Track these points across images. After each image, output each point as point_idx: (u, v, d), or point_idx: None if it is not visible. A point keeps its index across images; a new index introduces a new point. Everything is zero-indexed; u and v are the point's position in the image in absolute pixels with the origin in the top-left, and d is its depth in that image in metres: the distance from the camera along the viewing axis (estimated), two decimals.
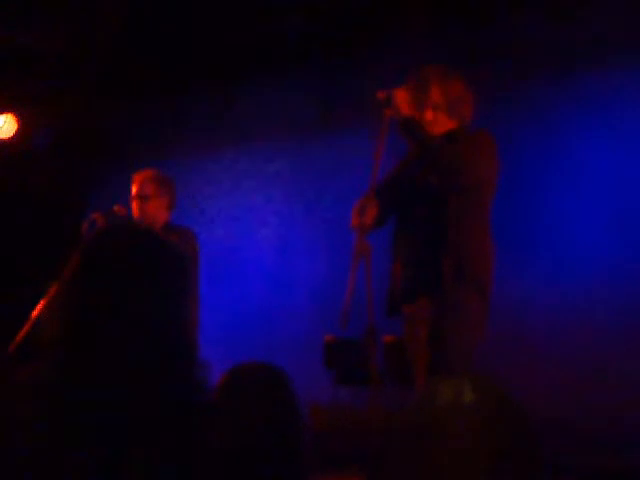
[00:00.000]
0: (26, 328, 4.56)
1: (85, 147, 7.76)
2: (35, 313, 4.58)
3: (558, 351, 5.40)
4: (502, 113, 5.72)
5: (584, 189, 5.70)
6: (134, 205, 4.75)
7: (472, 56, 5.60)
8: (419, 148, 3.66)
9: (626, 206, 5.56)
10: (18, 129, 7.02)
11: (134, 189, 4.77)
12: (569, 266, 5.62)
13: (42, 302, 4.48)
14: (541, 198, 5.84)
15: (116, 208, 4.76)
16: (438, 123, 3.77)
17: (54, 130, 7.41)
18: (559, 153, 5.80)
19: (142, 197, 4.73)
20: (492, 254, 3.71)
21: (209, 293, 7.06)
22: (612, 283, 5.45)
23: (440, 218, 3.61)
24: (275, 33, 6.48)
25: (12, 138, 7.03)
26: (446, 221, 3.59)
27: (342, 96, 6.65)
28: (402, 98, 3.67)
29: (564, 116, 5.77)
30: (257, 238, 7.25)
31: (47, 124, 7.35)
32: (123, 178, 4.94)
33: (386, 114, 3.66)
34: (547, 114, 5.84)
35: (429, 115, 3.75)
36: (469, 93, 3.85)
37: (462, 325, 3.54)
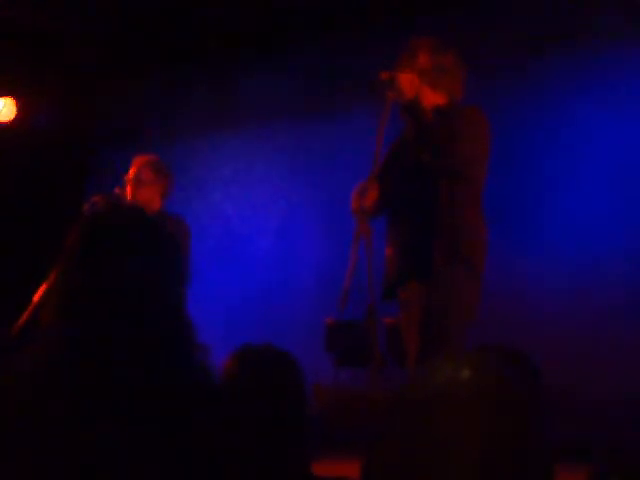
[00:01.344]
0: (28, 312, 4.57)
1: (86, 130, 7.74)
2: (37, 297, 4.59)
3: (563, 332, 5.40)
4: (502, 88, 5.71)
5: (590, 167, 5.68)
6: (129, 188, 4.75)
7: (471, 31, 5.58)
8: (419, 131, 3.63)
9: (633, 184, 5.55)
10: (18, 112, 7.01)
11: (131, 172, 4.78)
12: (574, 245, 5.61)
13: (43, 285, 4.49)
14: (544, 177, 5.83)
15: (117, 191, 4.76)
16: (424, 92, 3.72)
17: (54, 113, 7.39)
18: (563, 130, 5.77)
19: (138, 181, 4.74)
20: (484, 234, 3.70)
21: (211, 275, 7.07)
22: (618, 262, 5.44)
23: (431, 200, 3.60)
24: (276, 13, 6.45)
25: (12, 121, 7.03)
26: (437, 203, 3.58)
27: (346, 78, 6.62)
28: (405, 80, 3.64)
29: (567, 90, 5.75)
30: (259, 220, 7.25)
31: (47, 107, 7.34)
32: (124, 161, 4.93)
33: (389, 96, 3.64)
34: (549, 88, 5.81)
35: (415, 80, 3.70)
36: (460, 69, 3.79)
37: (453, 307, 3.54)
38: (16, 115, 7.02)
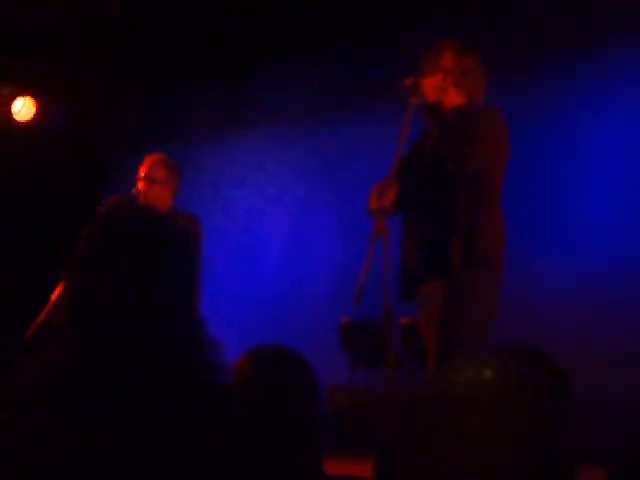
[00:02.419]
0: (45, 311, 4.59)
1: (102, 130, 7.77)
2: (54, 296, 4.61)
3: (572, 334, 5.39)
4: (518, 95, 5.70)
5: (601, 172, 5.67)
6: (140, 187, 4.74)
7: (485, 39, 5.57)
8: (440, 133, 3.65)
9: None
10: (36, 112, 7.05)
11: (143, 171, 4.77)
12: (585, 249, 5.60)
13: (61, 285, 4.51)
14: (558, 182, 5.82)
15: (134, 191, 4.76)
16: (448, 92, 3.74)
17: (72, 113, 7.43)
18: (577, 135, 5.76)
19: (150, 180, 4.74)
20: (502, 235, 3.71)
21: (226, 279, 7.09)
22: (628, 267, 5.43)
23: (449, 200, 3.61)
24: (291, 15, 6.46)
25: (30, 121, 7.07)
26: (456, 203, 3.59)
27: (361, 79, 6.63)
28: (429, 85, 3.67)
29: (581, 95, 5.74)
30: (274, 222, 7.26)
31: (65, 107, 7.37)
32: (140, 161, 4.94)
33: (412, 101, 3.66)
34: (564, 94, 5.81)
35: (439, 79, 3.73)
36: (482, 73, 3.82)
37: (471, 307, 3.55)
38: (35, 114, 7.06)
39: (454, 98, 3.77)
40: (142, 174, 4.76)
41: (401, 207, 3.79)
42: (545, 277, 5.68)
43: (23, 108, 7.04)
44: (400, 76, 3.71)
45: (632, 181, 5.53)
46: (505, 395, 1.16)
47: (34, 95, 7.03)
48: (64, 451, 1.32)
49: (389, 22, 6.23)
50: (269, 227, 7.26)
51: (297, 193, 7.16)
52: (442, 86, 3.73)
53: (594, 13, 5.55)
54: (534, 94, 5.86)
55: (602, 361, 5.28)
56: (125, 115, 7.64)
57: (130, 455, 1.33)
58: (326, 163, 6.97)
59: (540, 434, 1.15)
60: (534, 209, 5.74)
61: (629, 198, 5.53)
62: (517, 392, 1.17)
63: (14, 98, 7.00)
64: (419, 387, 1.26)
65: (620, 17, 5.44)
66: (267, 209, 7.30)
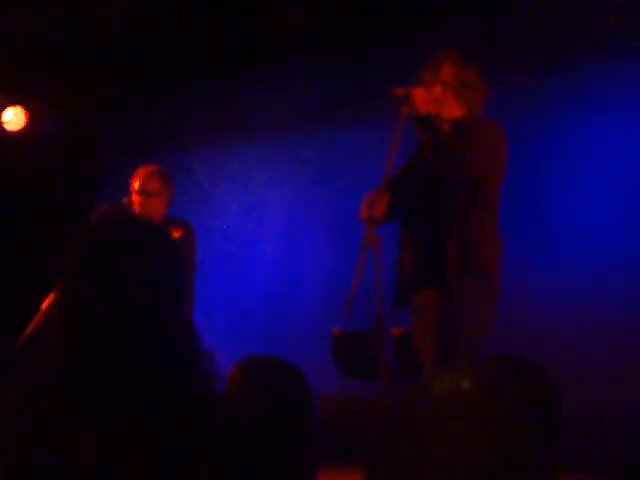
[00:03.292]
0: (36, 320, 4.57)
1: (95, 138, 7.76)
2: (44, 305, 4.59)
3: (569, 342, 5.39)
4: (512, 101, 5.71)
5: (600, 175, 5.68)
6: (135, 200, 4.71)
7: (484, 42, 5.59)
8: (433, 144, 3.65)
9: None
10: (27, 121, 7.04)
11: (137, 184, 4.74)
12: (584, 253, 5.60)
13: (52, 294, 4.49)
14: (553, 188, 5.83)
15: (125, 200, 4.74)
16: (446, 104, 3.75)
17: (63, 122, 7.42)
18: (571, 140, 5.78)
19: (145, 193, 4.71)
20: (499, 245, 3.72)
21: (218, 286, 7.08)
22: (627, 272, 5.44)
23: (446, 209, 3.62)
24: (285, 22, 6.46)
25: (21, 130, 7.05)
26: (451, 212, 3.60)
27: (355, 88, 6.63)
28: (420, 96, 3.68)
29: (574, 101, 5.75)
30: (266, 231, 7.25)
31: (56, 116, 7.36)
32: (132, 169, 4.93)
33: (403, 111, 3.66)
34: (557, 99, 5.82)
35: (437, 92, 3.73)
36: (482, 84, 3.83)
37: (467, 315, 3.56)
38: (25, 124, 7.05)
39: (454, 110, 3.78)
40: (136, 187, 4.73)
41: (392, 217, 3.80)
42: (544, 283, 5.68)
43: (14, 118, 7.02)
44: (395, 84, 3.72)
45: (631, 183, 5.55)
46: (483, 403, 1.17)
47: (27, 100, 7.01)
48: (59, 459, 1.32)
49: (388, 27, 6.24)
50: (261, 235, 7.25)
51: (289, 200, 7.16)
52: (438, 98, 3.73)
53: (592, 15, 5.56)
54: (533, 96, 5.88)
55: (602, 367, 5.29)
56: (119, 120, 7.63)
57: (130, 458, 1.33)
58: (319, 170, 6.97)
59: (517, 439, 1.16)
60: (532, 214, 5.76)
61: (628, 200, 5.55)
62: (495, 401, 1.18)
63: (5, 107, 6.99)
64: (403, 399, 1.26)
65: (619, 19, 5.46)
66: (259, 216, 7.30)
